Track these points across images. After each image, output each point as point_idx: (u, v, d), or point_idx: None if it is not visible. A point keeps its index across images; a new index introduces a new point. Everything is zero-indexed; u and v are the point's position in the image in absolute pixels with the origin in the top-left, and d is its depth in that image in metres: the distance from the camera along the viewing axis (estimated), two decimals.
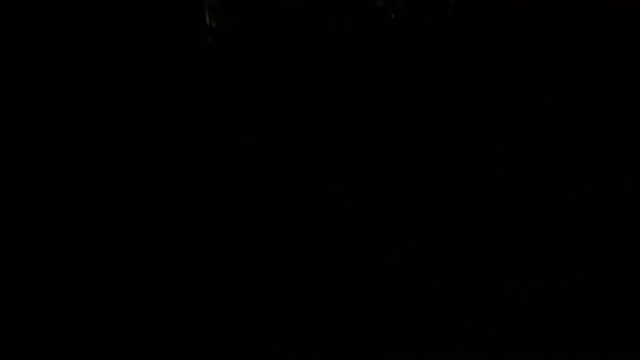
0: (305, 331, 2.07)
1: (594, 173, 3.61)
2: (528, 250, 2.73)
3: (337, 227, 3.02)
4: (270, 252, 2.75)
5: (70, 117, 4.33)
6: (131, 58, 4.62)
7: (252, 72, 5.01)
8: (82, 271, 2.56)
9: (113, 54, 4.48)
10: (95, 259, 2.65)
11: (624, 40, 4.26)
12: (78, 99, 4.45)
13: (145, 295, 2.35)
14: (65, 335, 2.03)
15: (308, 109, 4.34)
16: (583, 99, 4.51)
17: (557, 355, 1.93)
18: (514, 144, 4.42)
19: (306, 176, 3.42)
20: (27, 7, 3.89)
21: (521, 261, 2.64)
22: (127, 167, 3.46)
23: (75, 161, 3.69)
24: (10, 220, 2.98)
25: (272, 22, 5.02)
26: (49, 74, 4.24)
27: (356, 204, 3.16)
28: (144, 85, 4.87)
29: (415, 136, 3.92)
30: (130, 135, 3.80)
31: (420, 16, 4.75)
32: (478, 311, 2.20)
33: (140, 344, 1.99)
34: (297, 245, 2.84)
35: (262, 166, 3.46)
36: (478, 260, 2.65)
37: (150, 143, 3.64)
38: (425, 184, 3.37)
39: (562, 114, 4.55)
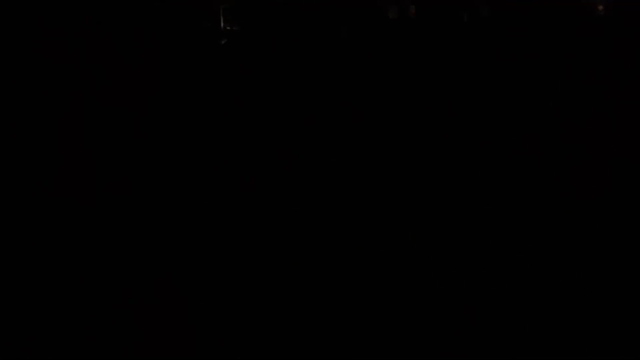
0: (305, 331, 2.07)
1: (594, 173, 3.60)
2: (527, 251, 2.72)
3: (336, 227, 3.02)
4: (270, 252, 2.75)
5: (81, 116, 4.37)
6: (147, 58, 4.64)
7: (262, 74, 5.03)
8: (82, 271, 2.57)
9: (127, 54, 4.51)
10: (95, 259, 2.66)
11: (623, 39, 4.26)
12: (91, 98, 4.49)
13: (145, 296, 2.36)
14: (65, 335, 2.03)
15: (313, 111, 4.35)
16: (582, 98, 4.51)
17: (557, 355, 1.92)
18: (513, 145, 4.41)
19: (309, 176, 3.43)
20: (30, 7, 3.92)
21: (521, 261, 2.63)
22: (133, 167, 3.48)
23: (78, 161, 3.72)
24: (10, 220, 2.99)
25: (285, 26, 5.04)
26: (53, 74, 4.27)
27: (355, 205, 3.17)
28: (156, 84, 4.89)
29: (417, 138, 3.92)
30: (138, 135, 3.82)
31: (433, 27, 4.76)
32: (477, 311, 2.19)
33: (140, 344, 1.99)
34: (296, 245, 2.85)
35: (265, 165, 3.47)
36: (478, 260, 2.64)
37: (157, 142, 3.66)
38: (424, 184, 3.37)
39: (562, 114, 4.56)
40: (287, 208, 3.13)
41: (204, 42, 4.82)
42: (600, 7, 4.43)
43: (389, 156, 3.77)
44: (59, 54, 4.25)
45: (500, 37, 4.62)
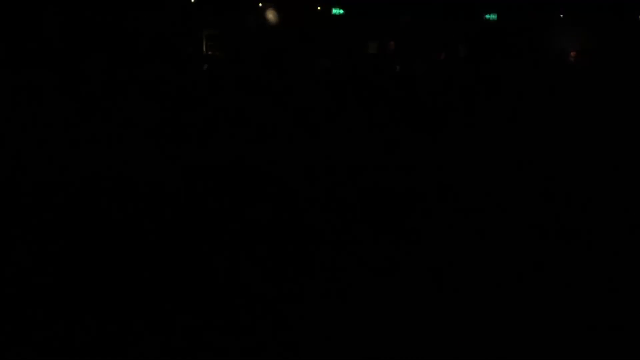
0: (304, 331, 2.04)
1: (594, 172, 3.58)
2: (528, 250, 2.70)
3: (336, 227, 3.00)
4: (269, 253, 2.72)
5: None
6: (130, 80, 4.61)
7: (242, 98, 5.03)
8: (82, 271, 2.53)
9: (117, 75, 4.49)
10: (95, 259, 2.62)
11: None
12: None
13: (144, 296, 2.31)
14: (65, 335, 1.99)
15: (291, 133, 4.36)
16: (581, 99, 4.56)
17: (557, 355, 1.90)
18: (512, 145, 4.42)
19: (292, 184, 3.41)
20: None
21: (521, 261, 2.61)
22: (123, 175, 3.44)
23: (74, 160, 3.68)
24: (10, 220, 2.94)
25: (266, 55, 5.10)
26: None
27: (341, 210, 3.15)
28: (140, 104, 4.84)
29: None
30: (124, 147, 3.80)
31: (412, 63, 4.88)
32: (478, 311, 2.17)
33: (139, 344, 1.95)
34: (296, 245, 2.81)
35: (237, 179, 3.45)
36: (478, 260, 2.61)
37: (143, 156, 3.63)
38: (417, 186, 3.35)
39: (562, 115, 4.60)
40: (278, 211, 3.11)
41: (187, 66, 4.85)
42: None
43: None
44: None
45: None
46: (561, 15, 16.46)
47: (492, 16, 16.71)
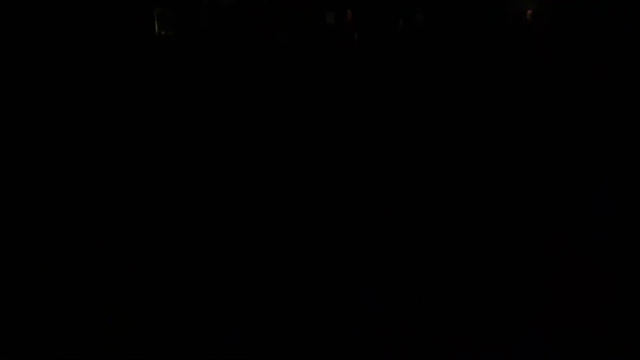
0: (304, 331, 2.06)
1: (593, 172, 3.69)
2: (527, 250, 2.77)
3: (336, 228, 3.02)
4: (269, 252, 2.72)
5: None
6: (81, 63, 4.50)
7: (194, 80, 4.97)
8: (82, 271, 2.50)
9: (63, 58, 4.37)
10: (95, 259, 2.59)
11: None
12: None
13: (144, 296, 2.31)
14: (65, 335, 1.99)
15: (242, 116, 4.32)
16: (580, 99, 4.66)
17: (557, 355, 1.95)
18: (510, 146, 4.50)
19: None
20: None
21: (520, 261, 2.67)
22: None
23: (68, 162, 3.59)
24: (10, 220, 2.89)
25: (218, 32, 5.00)
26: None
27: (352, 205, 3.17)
28: (94, 87, 4.74)
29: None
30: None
31: (371, 36, 4.83)
32: (477, 311, 2.22)
33: (140, 344, 1.96)
34: (295, 245, 2.82)
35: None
36: (477, 260, 2.67)
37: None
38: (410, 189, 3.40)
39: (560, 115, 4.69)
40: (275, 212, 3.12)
41: (139, 46, 4.72)
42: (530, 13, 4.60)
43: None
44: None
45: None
46: None
47: None
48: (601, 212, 3.15)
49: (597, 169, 3.53)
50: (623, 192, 3.38)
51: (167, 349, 1.92)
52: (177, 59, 4.97)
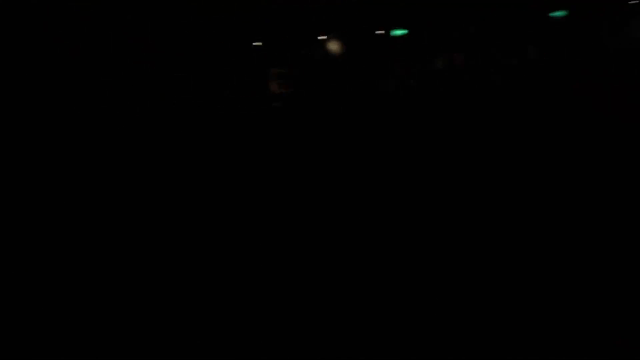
0: (303, 331, 2.07)
1: (594, 172, 3.50)
2: (527, 250, 2.66)
3: (336, 228, 3.01)
4: (268, 253, 2.76)
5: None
6: (207, 120, 4.78)
7: (313, 134, 5.11)
8: (82, 271, 2.64)
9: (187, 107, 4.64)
10: (95, 259, 2.73)
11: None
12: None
13: (144, 296, 2.39)
14: (65, 335, 2.08)
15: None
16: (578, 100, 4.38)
17: (557, 355, 1.86)
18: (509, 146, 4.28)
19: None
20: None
21: (520, 261, 2.57)
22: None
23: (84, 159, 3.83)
24: (10, 220, 3.11)
25: (333, 88, 5.15)
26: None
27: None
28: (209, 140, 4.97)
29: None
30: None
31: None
32: (478, 311, 2.16)
33: (139, 344, 2.02)
34: (295, 245, 2.84)
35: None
36: (477, 260, 2.59)
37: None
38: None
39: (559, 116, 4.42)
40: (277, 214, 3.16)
41: (257, 104, 4.95)
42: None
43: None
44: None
45: None
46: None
47: (561, 13, 16.16)
48: (601, 212, 2.95)
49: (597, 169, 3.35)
50: (623, 192, 3.14)
51: (167, 349, 1.94)
52: (292, 113, 5.15)
